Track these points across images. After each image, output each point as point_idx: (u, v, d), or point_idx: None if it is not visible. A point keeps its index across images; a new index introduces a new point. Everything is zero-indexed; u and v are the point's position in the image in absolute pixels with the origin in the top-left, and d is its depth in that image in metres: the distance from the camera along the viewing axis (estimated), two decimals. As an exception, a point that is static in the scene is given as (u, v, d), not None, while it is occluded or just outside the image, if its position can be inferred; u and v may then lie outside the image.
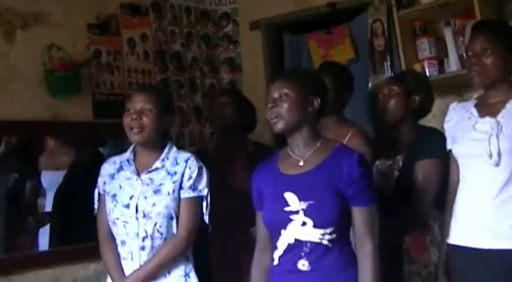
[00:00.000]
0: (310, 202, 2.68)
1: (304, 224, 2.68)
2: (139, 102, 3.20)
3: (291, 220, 2.70)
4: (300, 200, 2.70)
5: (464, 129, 3.04)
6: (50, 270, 4.10)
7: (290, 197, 2.72)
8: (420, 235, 3.30)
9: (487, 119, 2.95)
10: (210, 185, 3.27)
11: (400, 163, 3.35)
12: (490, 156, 2.87)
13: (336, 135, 3.57)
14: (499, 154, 2.86)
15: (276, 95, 2.78)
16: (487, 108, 3.01)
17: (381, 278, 2.70)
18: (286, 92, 2.76)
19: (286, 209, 2.71)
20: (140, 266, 3.16)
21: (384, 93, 3.47)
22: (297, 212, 2.69)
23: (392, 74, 4.45)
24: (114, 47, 4.72)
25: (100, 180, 3.35)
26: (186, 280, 3.21)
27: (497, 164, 2.87)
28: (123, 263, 3.23)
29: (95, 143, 4.52)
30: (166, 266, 3.19)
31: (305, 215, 2.68)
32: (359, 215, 2.72)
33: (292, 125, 2.77)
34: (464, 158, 3.03)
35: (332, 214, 2.68)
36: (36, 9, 4.24)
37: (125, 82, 4.76)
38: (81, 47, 4.48)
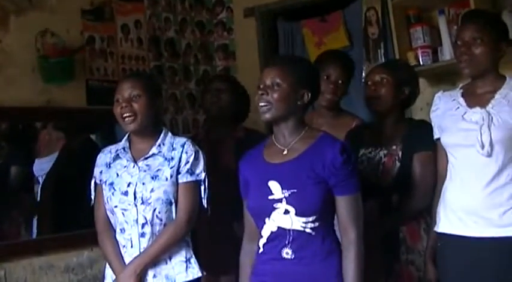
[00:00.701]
0: (293, 190, 2.68)
1: (286, 212, 2.69)
2: (127, 90, 3.18)
3: (274, 208, 2.71)
4: (282, 188, 2.70)
5: (453, 119, 3.04)
6: (43, 257, 4.11)
7: (274, 185, 2.72)
8: (415, 224, 3.31)
9: (477, 109, 2.96)
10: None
11: (400, 154, 3.34)
12: (482, 146, 2.87)
13: (336, 125, 3.60)
14: (491, 144, 2.87)
15: (268, 81, 2.76)
16: (475, 98, 3.02)
17: (364, 266, 2.70)
18: (278, 82, 2.74)
19: (270, 197, 2.72)
20: (141, 253, 3.16)
21: (375, 80, 3.45)
22: (280, 200, 2.70)
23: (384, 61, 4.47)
24: (108, 33, 4.71)
25: (96, 170, 3.34)
26: (187, 265, 3.20)
27: (489, 155, 2.88)
28: (123, 250, 3.22)
29: (87, 129, 4.51)
30: (167, 252, 3.18)
31: (287, 203, 2.68)
32: (343, 204, 2.71)
33: (279, 115, 2.76)
34: (454, 148, 3.03)
35: (314, 202, 2.68)
36: (29, -6, 4.23)
37: (118, 69, 4.75)
38: (75, 33, 4.47)
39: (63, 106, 4.32)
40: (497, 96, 2.96)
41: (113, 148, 3.34)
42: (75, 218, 4.12)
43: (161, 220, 3.16)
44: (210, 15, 5.56)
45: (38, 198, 4.28)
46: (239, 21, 5.49)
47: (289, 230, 2.69)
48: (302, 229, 2.68)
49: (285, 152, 2.79)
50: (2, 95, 4.03)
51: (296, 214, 2.67)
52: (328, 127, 3.45)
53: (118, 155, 3.28)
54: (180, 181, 3.19)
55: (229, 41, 5.56)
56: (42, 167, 4.27)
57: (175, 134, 3.37)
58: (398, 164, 3.34)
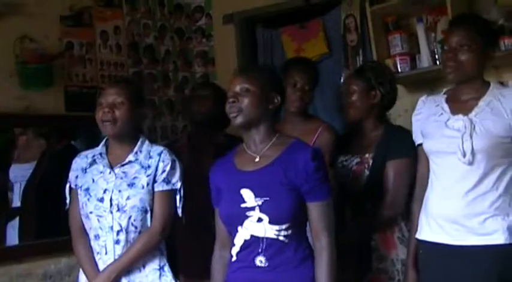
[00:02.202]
0: (266, 198, 2.68)
1: (260, 220, 2.68)
2: (111, 96, 3.19)
3: (247, 216, 2.70)
4: (255, 196, 2.70)
5: (436, 125, 3.03)
6: (21, 265, 4.08)
7: (246, 193, 2.72)
8: (388, 232, 3.31)
9: (460, 116, 2.95)
10: (184, 178, 3.27)
11: (370, 162, 3.35)
12: (464, 154, 2.87)
13: (304, 130, 3.60)
14: (472, 153, 2.86)
15: (237, 89, 2.77)
16: (459, 105, 3.01)
17: (337, 272, 2.71)
18: (247, 87, 2.75)
19: (243, 205, 2.71)
20: (115, 260, 3.15)
21: (346, 89, 3.48)
22: (253, 208, 2.69)
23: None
24: (86, 39, 4.69)
25: (71, 175, 3.33)
26: (160, 273, 3.21)
27: (471, 163, 2.87)
28: (97, 257, 3.21)
29: (67, 135, 4.49)
30: (141, 260, 3.18)
31: (261, 211, 2.68)
32: (315, 210, 2.72)
33: (251, 120, 2.76)
34: (436, 155, 3.03)
35: (287, 210, 2.68)
36: (7, -1, 4.22)
37: (97, 75, 4.73)
38: (54, 38, 4.45)
39: (42, 112, 4.29)
40: (480, 103, 2.95)
41: (89, 153, 3.32)
42: (53, 224, 4.10)
43: (136, 228, 3.16)
44: (189, 22, 5.56)
45: (19, 205, 4.25)
46: (218, 28, 5.49)
47: (262, 238, 2.69)
48: (275, 237, 2.68)
49: (257, 159, 2.79)
50: (-20, 100, 4.00)
51: (269, 222, 2.67)
52: (297, 133, 3.46)
53: (94, 160, 3.27)
54: (156, 190, 3.20)
55: (208, 47, 5.56)
56: (21, 173, 4.24)
57: (153, 141, 3.37)
58: (367, 172, 3.35)
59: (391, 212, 3.28)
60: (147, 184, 3.17)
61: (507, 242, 2.83)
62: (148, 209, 3.18)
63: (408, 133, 3.28)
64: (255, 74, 2.81)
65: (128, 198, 3.15)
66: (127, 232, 3.15)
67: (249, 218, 2.70)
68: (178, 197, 3.25)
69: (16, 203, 4.26)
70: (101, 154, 3.27)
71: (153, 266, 3.21)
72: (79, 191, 3.25)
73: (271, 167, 2.74)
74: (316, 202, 2.72)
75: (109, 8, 4.88)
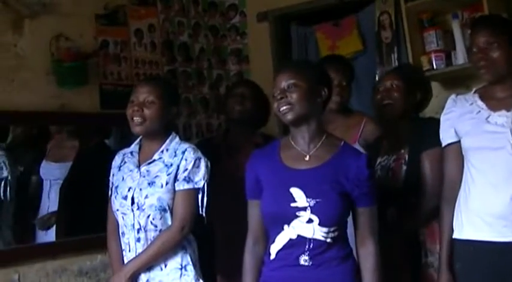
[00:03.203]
0: (318, 200, 2.66)
1: (310, 221, 2.67)
2: (142, 94, 3.21)
3: (296, 216, 2.69)
4: (307, 196, 2.68)
5: (474, 123, 2.99)
6: (57, 261, 4.11)
7: (296, 192, 2.69)
8: (434, 223, 3.27)
9: (503, 112, 2.92)
10: (215, 176, 3.26)
11: (406, 156, 3.33)
12: None
13: (346, 126, 3.61)
14: None
15: (283, 85, 2.75)
16: (496, 102, 2.98)
17: (383, 277, 2.73)
18: (294, 82, 2.73)
19: (293, 204, 2.69)
20: (134, 257, 3.18)
21: (387, 86, 3.45)
22: (304, 209, 2.67)
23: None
24: (121, 37, 4.71)
25: (111, 173, 3.38)
26: (181, 273, 3.20)
27: None
28: (124, 254, 3.26)
29: (101, 134, 4.52)
30: (161, 257, 3.18)
31: (312, 212, 2.66)
32: (363, 215, 2.74)
33: (302, 115, 2.74)
34: (477, 151, 2.98)
35: (338, 213, 2.69)
36: (43, -1, 4.26)
37: (132, 73, 4.76)
38: (89, 37, 4.48)
39: (76, 110, 4.33)
40: None
41: (126, 151, 3.36)
42: (88, 222, 4.13)
43: (156, 226, 3.17)
44: (224, 20, 5.57)
45: (47, 201, 4.28)
46: (252, 26, 5.49)
47: (310, 238, 2.69)
48: (323, 239, 2.68)
49: (307, 158, 2.77)
50: (16, 98, 4.04)
51: (319, 224, 2.67)
52: (341, 129, 3.48)
53: (125, 158, 3.30)
54: (176, 188, 3.20)
55: (243, 45, 5.56)
56: (51, 171, 4.27)
57: (188, 138, 3.38)
58: (404, 167, 3.33)
59: (433, 202, 3.23)
60: (167, 183, 3.17)
61: None
62: (167, 208, 3.18)
63: (438, 123, 3.25)
64: (300, 69, 2.80)
65: (146, 196, 3.16)
66: (146, 231, 3.17)
67: (299, 218, 2.69)
68: (200, 196, 3.23)
69: (44, 200, 4.28)
70: (132, 152, 3.30)
71: (174, 265, 3.20)
72: (113, 188, 3.29)
73: (322, 168, 2.74)
74: (365, 207, 2.74)
75: (143, 6, 4.90)
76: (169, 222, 3.19)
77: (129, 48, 4.77)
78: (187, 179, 3.19)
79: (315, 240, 2.68)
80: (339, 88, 3.64)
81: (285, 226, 2.71)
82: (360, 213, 2.74)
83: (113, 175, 3.35)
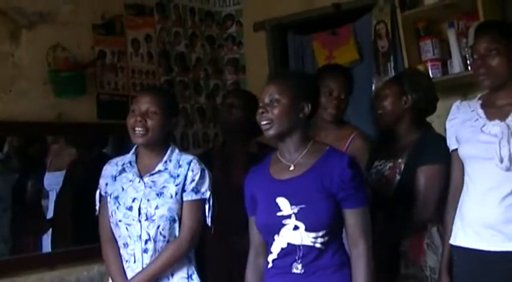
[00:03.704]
0: (302, 206, 2.68)
1: (296, 228, 2.68)
2: (144, 104, 3.19)
3: (283, 225, 2.70)
4: (291, 204, 2.70)
5: (472, 131, 3.00)
6: (54, 272, 4.11)
7: (282, 201, 2.72)
8: (418, 238, 3.29)
9: (497, 121, 2.92)
10: (213, 187, 3.28)
11: (402, 167, 3.33)
12: (501, 160, 2.84)
13: (336, 137, 3.62)
14: (510, 159, 2.83)
15: (266, 99, 2.77)
16: (495, 110, 2.98)
17: (375, 279, 2.71)
18: (277, 98, 2.74)
19: (279, 213, 2.71)
20: (143, 268, 3.16)
21: (380, 95, 3.48)
22: (289, 217, 2.69)
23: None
24: (118, 47, 4.73)
25: (102, 182, 3.34)
26: None
27: (508, 169, 2.84)
28: (126, 265, 3.21)
29: (98, 143, 4.52)
30: (170, 268, 3.18)
31: (297, 219, 2.68)
32: (351, 217, 2.71)
33: (283, 130, 2.76)
34: (471, 160, 2.99)
35: (323, 217, 2.68)
36: (41, 8, 4.26)
37: (129, 83, 4.77)
38: (86, 47, 4.50)
39: (74, 120, 4.33)
40: None
41: (119, 160, 3.33)
42: (86, 232, 4.12)
43: (164, 237, 3.16)
44: (220, 30, 5.58)
45: (52, 213, 4.30)
46: (249, 35, 5.51)
47: (299, 245, 2.69)
48: (312, 244, 2.68)
49: (292, 168, 2.79)
50: (14, 108, 4.05)
51: (306, 230, 2.67)
52: (330, 139, 3.48)
53: (124, 168, 3.27)
54: (184, 199, 3.19)
55: (239, 55, 5.58)
56: (55, 181, 4.27)
57: (184, 148, 3.38)
58: (398, 177, 3.33)
59: (421, 218, 3.25)
60: (176, 193, 3.17)
61: None
62: (176, 218, 3.17)
63: (444, 140, 3.25)
64: (285, 83, 2.79)
65: (157, 207, 3.14)
66: (155, 241, 3.15)
67: (286, 226, 2.70)
68: (207, 207, 3.24)
69: (51, 211, 4.29)
70: (130, 162, 3.27)
71: (181, 275, 3.20)
72: (108, 198, 3.26)
73: (306, 175, 2.74)
74: (353, 209, 2.71)
75: (140, 16, 4.92)
76: (177, 233, 3.18)
77: (126, 58, 4.78)
78: (195, 190, 3.19)
79: (304, 246, 2.69)
80: (337, 101, 3.65)
81: (275, 236, 2.74)
82: (348, 214, 2.71)
83: (107, 184, 3.30)
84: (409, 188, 3.28)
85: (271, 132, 2.76)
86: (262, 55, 5.41)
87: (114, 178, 3.28)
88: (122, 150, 3.58)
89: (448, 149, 3.19)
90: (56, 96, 4.24)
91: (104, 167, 3.37)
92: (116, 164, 3.32)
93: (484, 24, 3.24)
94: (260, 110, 2.77)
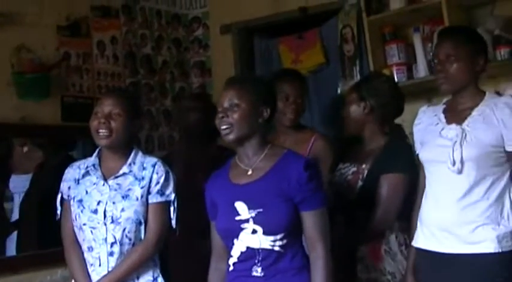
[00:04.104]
0: (259, 210, 2.69)
1: (254, 231, 2.69)
2: (108, 106, 3.17)
3: (242, 229, 2.71)
4: (249, 208, 2.71)
5: (432, 135, 3.05)
6: (17, 276, 4.06)
7: (240, 206, 2.73)
8: (376, 244, 3.30)
9: (453, 125, 2.97)
10: (176, 190, 3.27)
11: (365, 173, 3.35)
12: (453, 163, 2.88)
13: (296, 141, 3.63)
14: (461, 162, 2.87)
15: (226, 104, 2.76)
16: (454, 115, 3.03)
17: (333, 280, 2.72)
18: (236, 102, 2.74)
19: (237, 218, 2.72)
20: (109, 271, 3.13)
21: (344, 102, 3.49)
22: (247, 221, 2.70)
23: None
24: (83, 49, 4.70)
25: (64, 185, 3.30)
26: None
27: (460, 172, 2.88)
28: (90, 269, 3.18)
29: (64, 146, 4.48)
30: (136, 271, 3.16)
31: (254, 222, 2.69)
32: (309, 219, 2.72)
33: (242, 135, 2.76)
34: (429, 164, 3.05)
35: (281, 220, 2.69)
36: (5, 9, 4.21)
37: (94, 85, 4.74)
38: (51, 48, 4.46)
39: (38, 122, 4.29)
40: (474, 113, 2.96)
41: (81, 163, 3.30)
42: (50, 236, 4.08)
43: (130, 239, 3.14)
44: (187, 32, 5.57)
45: (17, 216, 4.25)
46: (215, 38, 5.51)
47: (258, 249, 2.70)
48: (271, 248, 2.69)
49: (250, 172, 2.79)
50: (-24, 110, 4.00)
51: (264, 233, 2.68)
52: (291, 143, 3.50)
53: (88, 171, 3.24)
54: (150, 201, 3.18)
55: (206, 57, 5.57)
56: (20, 184, 4.23)
57: (150, 151, 3.37)
58: (360, 183, 3.34)
59: (381, 226, 3.27)
60: (141, 196, 3.16)
61: (497, 250, 2.84)
62: (142, 220, 3.16)
63: (408, 149, 3.28)
64: (245, 87, 2.79)
65: (123, 210, 3.13)
66: (121, 244, 3.13)
67: (244, 230, 2.71)
68: (172, 209, 3.23)
69: (16, 213, 4.25)
70: (94, 165, 3.25)
71: (147, 278, 3.18)
72: (72, 202, 3.23)
73: (264, 179, 2.75)
74: (310, 211, 2.72)
75: (106, 18, 4.89)
76: (142, 235, 3.17)
77: (92, 60, 4.75)
78: (160, 192, 3.19)
79: (263, 250, 2.70)
80: (295, 105, 3.66)
81: (235, 240, 2.75)
82: (306, 217, 2.72)
83: (69, 188, 3.27)
84: (371, 195, 3.29)
85: (231, 136, 2.76)
86: (229, 58, 5.41)
87: (77, 181, 3.25)
88: (89, 153, 3.55)
89: (412, 158, 3.24)
90: (20, 98, 4.20)
91: (66, 170, 3.34)
92: (79, 167, 3.29)
93: (445, 30, 3.28)
94: (220, 115, 2.76)
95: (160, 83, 5.31)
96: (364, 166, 3.36)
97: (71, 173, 3.30)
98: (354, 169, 3.40)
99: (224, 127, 2.75)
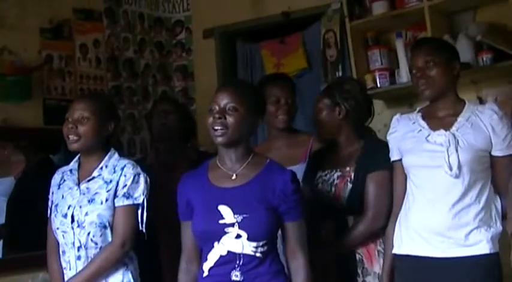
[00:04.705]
0: (245, 215, 2.69)
1: (238, 236, 2.69)
2: (77, 111, 3.18)
3: (225, 232, 2.70)
4: (234, 213, 2.70)
5: (415, 141, 3.06)
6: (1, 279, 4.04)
7: (224, 209, 2.71)
8: (371, 245, 3.31)
9: (442, 131, 3.00)
10: (155, 193, 3.26)
11: (352, 175, 3.35)
12: (450, 168, 2.92)
13: (293, 144, 3.63)
14: (459, 166, 2.92)
15: (223, 105, 2.74)
16: (437, 121, 3.06)
17: None
18: (234, 106, 2.73)
19: (221, 221, 2.70)
20: (76, 273, 3.13)
21: (317, 106, 3.48)
22: (232, 225, 2.69)
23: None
24: (66, 52, 4.67)
25: (51, 191, 3.32)
26: None
27: (457, 176, 2.93)
28: (64, 272, 3.19)
29: (46, 149, 4.46)
30: (102, 275, 3.13)
31: (240, 227, 2.69)
32: (291, 229, 2.76)
33: (234, 139, 2.75)
34: (417, 169, 3.05)
35: (266, 227, 2.71)
36: (-13, 12, 4.20)
37: (76, 88, 4.72)
38: (33, 51, 4.44)
39: (19, 125, 4.27)
40: (460, 119, 3.01)
41: (65, 169, 3.32)
42: (31, 239, 4.06)
43: (96, 244, 3.13)
44: (169, 36, 5.57)
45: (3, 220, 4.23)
46: (198, 42, 5.51)
47: (239, 254, 2.70)
48: (253, 253, 2.70)
49: (234, 177, 2.79)
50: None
51: (248, 239, 2.69)
52: (288, 147, 3.50)
53: (64, 176, 3.26)
54: (116, 204, 3.16)
55: (188, 61, 5.57)
56: (1, 187, 4.20)
57: (132, 154, 3.36)
58: (350, 185, 3.34)
59: (375, 224, 3.26)
60: (106, 200, 3.14)
61: (491, 251, 2.91)
62: (107, 224, 3.14)
63: (386, 146, 3.29)
64: (243, 93, 2.78)
65: (86, 214, 3.12)
66: (86, 248, 3.12)
67: (228, 234, 2.70)
68: (140, 212, 3.19)
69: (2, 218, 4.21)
70: (71, 170, 3.26)
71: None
72: (53, 207, 3.25)
73: (249, 185, 2.76)
74: (293, 221, 2.76)
75: (89, 21, 4.87)
76: (110, 239, 3.15)
77: (74, 63, 4.73)
78: (127, 195, 3.16)
79: (245, 255, 2.70)
80: (286, 106, 3.65)
81: (215, 243, 2.73)
82: (289, 227, 2.76)
83: (53, 193, 3.29)
84: (361, 196, 3.30)
85: (223, 139, 2.73)
86: (211, 62, 5.42)
87: (58, 186, 3.27)
88: (70, 156, 3.53)
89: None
90: (1, 100, 4.17)
91: (54, 176, 3.35)
92: (62, 173, 3.31)
93: (418, 41, 3.40)
94: (216, 115, 2.72)
95: (143, 86, 5.30)
96: (348, 168, 3.35)
97: (56, 178, 3.32)
98: (339, 173, 3.38)
99: (218, 128, 2.72)
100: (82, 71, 4.79)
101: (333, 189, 3.37)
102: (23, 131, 4.30)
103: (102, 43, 4.97)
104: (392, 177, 3.25)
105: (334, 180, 3.39)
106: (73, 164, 3.28)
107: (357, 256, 3.31)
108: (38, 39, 4.49)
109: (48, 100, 4.51)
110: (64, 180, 3.26)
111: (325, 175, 3.43)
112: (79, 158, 3.29)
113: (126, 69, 5.17)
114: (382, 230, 3.28)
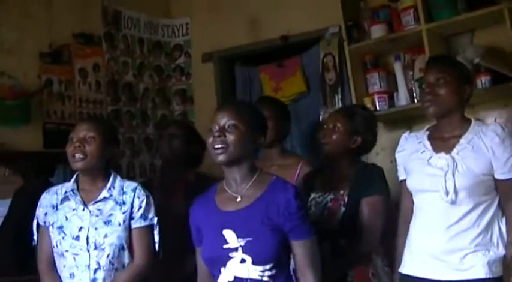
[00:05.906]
0: (249, 239, 2.65)
1: (243, 261, 2.65)
2: (82, 131, 3.20)
3: (230, 257, 2.67)
4: (238, 237, 2.66)
5: (419, 163, 3.06)
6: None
7: (228, 234, 2.68)
8: (363, 268, 3.30)
9: (442, 154, 2.99)
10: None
11: (346, 198, 3.35)
12: (447, 193, 2.90)
13: (283, 166, 3.63)
14: (455, 191, 2.90)
15: (223, 123, 2.71)
16: (441, 143, 3.05)
17: None
18: (235, 123, 2.70)
19: (225, 246, 2.67)
20: None
21: (329, 126, 3.48)
22: (235, 249, 2.66)
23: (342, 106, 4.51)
24: (65, 76, 4.69)
25: (40, 211, 3.29)
26: None
27: (454, 202, 2.91)
28: None
29: (44, 172, 4.45)
30: None
31: (243, 252, 2.65)
32: (299, 248, 2.70)
33: (235, 157, 2.71)
34: (419, 192, 3.06)
35: (271, 250, 2.65)
36: (-14, 36, 4.21)
37: (75, 112, 4.73)
38: (33, 75, 4.46)
39: (18, 149, 4.26)
40: (462, 140, 2.99)
41: (58, 189, 3.30)
42: (28, 262, 4.04)
43: (113, 265, 3.14)
44: (169, 60, 5.59)
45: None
46: (197, 66, 5.53)
47: (246, 279, 2.66)
48: (259, 278, 2.65)
49: (239, 199, 2.75)
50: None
51: (253, 263, 2.64)
52: (277, 168, 3.51)
53: (67, 197, 3.24)
54: (133, 226, 3.20)
55: (187, 85, 5.58)
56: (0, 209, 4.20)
57: (131, 178, 3.37)
58: (343, 208, 3.34)
59: (367, 248, 3.27)
60: (123, 221, 3.17)
61: (487, 276, 2.87)
62: (125, 246, 3.16)
63: (381, 171, 3.31)
64: (243, 111, 2.76)
65: (106, 236, 3.13)
66: (104, 270, 3.12)
67: (232, 259, 2.66)
68: (156, 232, 3.24)
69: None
70: (72, 190, 3.24)
71: None
72: (51, 228, 3.22)
73: (252, 207, 2.71)
74: (300, 240, 2.69)
75: (88, 45, 4.89)
76: (125, 260, 3.17)
77: (73, 87, 4.75)
78: (144, 217, 3.21)
79: (251, 280, 2.65)
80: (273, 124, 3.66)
81: (222, 269, 2.69)
82: (296, 246, 2.70)
83: (46, 214, 3.26)
84: (354, 219, 3.30)
85: (224, 157, 2.69)
86: (210, 86, 5.43)
87: (55, 207, 3.25)
88: (69, 179, 3.54)
89: (385, 181, 3.31)
90: (0, 124, 4.18)
91: (42, 196, 3.33)
92: (56, 193, 3.29)
93: (433, 58, 3.35)
94: (216, 133, 2.70)
95: (142, 110, 5.31)
96: (342, 192, 3.36)
97: (48, 198, 3.29)
98: (332, 196, 3.39)
99: (218, 146, 2.69)
100: (81, 95, 4.80)
101: (326, 211, 3.37)
102: (21, 155, 4.28)
103: (101, 67, 4.99)
104: (385, 202, 3.27)
105: (327, 202, 3.39)
106: (72, 184, 3.26)
107: (348, 278, 3.31)
108: (38, 64, 4.51)
109: (48, 124, 4.52)
110: (63, 201, 3.24)
111: (319, 197, 3.44)
112: (76, 178, 3.29)
113: (125, 93, 5.18)
114: (376, 253, 3.29)
